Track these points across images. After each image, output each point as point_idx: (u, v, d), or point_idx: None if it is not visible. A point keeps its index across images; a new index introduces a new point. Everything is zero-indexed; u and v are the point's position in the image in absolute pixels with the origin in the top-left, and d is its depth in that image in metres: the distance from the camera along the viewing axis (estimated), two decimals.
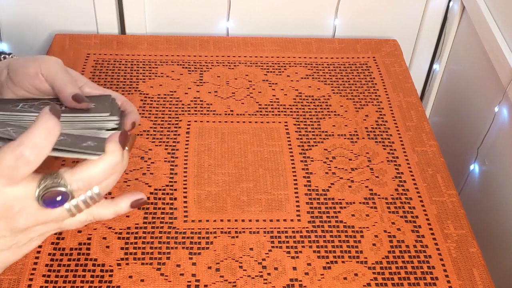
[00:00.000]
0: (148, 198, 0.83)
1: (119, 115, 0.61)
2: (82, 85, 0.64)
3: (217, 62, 1.08)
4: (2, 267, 0.49)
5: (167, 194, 0.84)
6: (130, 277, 0.73)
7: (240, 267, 0.75)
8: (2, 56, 0.67)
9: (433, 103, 1.31)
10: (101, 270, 0.74)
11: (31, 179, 0.45)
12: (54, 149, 0.46)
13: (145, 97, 0.99)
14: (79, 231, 0.78)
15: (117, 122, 0.58)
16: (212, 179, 0.86)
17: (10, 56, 0.68)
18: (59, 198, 0.45)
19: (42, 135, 0.43)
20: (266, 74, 1.05)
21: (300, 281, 0.74)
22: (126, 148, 0.50)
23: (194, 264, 0.75)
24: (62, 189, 0.45)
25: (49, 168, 0.48)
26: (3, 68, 0.62)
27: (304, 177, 0.87)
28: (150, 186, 0.84)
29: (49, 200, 0.45)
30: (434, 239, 0.80)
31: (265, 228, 0.80)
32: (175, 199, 0.83)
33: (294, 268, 0.76)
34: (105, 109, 0.59)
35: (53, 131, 0.44)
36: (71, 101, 0.59)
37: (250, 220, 0.81)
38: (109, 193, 0.82)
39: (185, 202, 0.83)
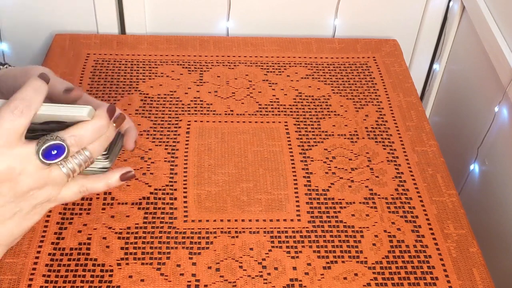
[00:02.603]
0: (148, 198, 0.83)
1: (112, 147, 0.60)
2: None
3: (217, 62, 1.08)
4: (6, 244, 0.51)
5: (167, 194, 0.84)
6: (130, 277, 0.73)
7: (240, 267, 0.75)
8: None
9: (433, 103, 1.31)
10: (101, 270, 0.74)
11: (30, 141, 0.49)
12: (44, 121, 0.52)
13: (145, 97, 0.99)
14: (79, 231, 0.78)
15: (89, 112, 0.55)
16: (212, 179, 0.86)
17: (5, 66, 0.67)
18: (55, 152, 0.50)
19: (30, 91, 0.49)
20: (266, 74, 1.05)
21: (300, 281, 0.74)
22: (114, 124, 0.55)
23: (194, 264, 0.75)
24: (59, 141, 0.50)
25: None
26: None
27: (304, 177, 0.87)
28: (150, 186, 0.84)
29: (48, 153, 0.49)
30: (434, 239, 0.80)
31: (265, 228, 0.80)
32: (175, 199, 0.83)
33: (294, 268, 0.76)
34: None
35: (40, 89, 0.50)
36: (63, 96, 0.59)
37: (250, 220, 0.81)
38: (109, 193, 0.83)
39: (185, 202, 0.83)
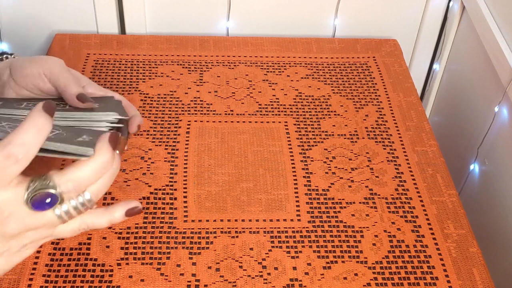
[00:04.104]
0: (148, 198, 0.83)
1: (125, 115, 0.61)
2: (85, 85, 0.64)
3: (217, 62, 1.08)
4: None
5: (167, 194, 0.84)
6: (130, 277, 0.73)
7: (240, 267, 0.75)
8: (5, 56, 0.68)
9: (433, 103, 1.31)
10: (101, 270, 0.74)
11: (20, 182, 0.43)
12: (44, 150, 0.46)
13: (145, 97, 0.99)
14: None
15: (116, 117, 0.58)
16: (212, 179, 0.86)
17: (12, 56, 0.68)
18: (48, 201, 0.44)
19: (32, 133, 0.42)
20: (266, 74, 1.05)
21: (300, 281, 0.74)
22: (117, 152, 0.48)
23: (194, 264, 0.75)
24: (51, 191, 0.44)
25: (50, 168, 0.47)
26: (5, 68, 0.63)
27: (304, 177, 0.87)
28: (150, 186, 0.84)
29: (38, 202, 0.44)
30: (434, 239, 0.80)
31: (265, 228, 0.80)
32: (175, 199, 0.83)
33: (294, 268, 0.76)
34: (111, 109, 0.60)
35: (43, 129, 0.43)
36: (75, 100, 0.60)
37: (250, 220, 0.81)
38: (109, 193, 0.83)
39: (185, 202, 0.83)
